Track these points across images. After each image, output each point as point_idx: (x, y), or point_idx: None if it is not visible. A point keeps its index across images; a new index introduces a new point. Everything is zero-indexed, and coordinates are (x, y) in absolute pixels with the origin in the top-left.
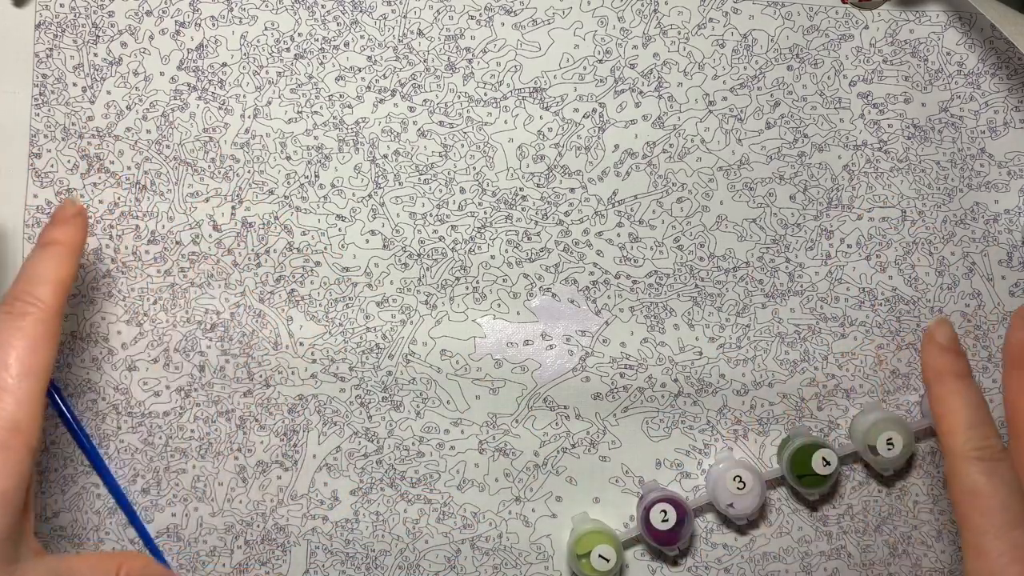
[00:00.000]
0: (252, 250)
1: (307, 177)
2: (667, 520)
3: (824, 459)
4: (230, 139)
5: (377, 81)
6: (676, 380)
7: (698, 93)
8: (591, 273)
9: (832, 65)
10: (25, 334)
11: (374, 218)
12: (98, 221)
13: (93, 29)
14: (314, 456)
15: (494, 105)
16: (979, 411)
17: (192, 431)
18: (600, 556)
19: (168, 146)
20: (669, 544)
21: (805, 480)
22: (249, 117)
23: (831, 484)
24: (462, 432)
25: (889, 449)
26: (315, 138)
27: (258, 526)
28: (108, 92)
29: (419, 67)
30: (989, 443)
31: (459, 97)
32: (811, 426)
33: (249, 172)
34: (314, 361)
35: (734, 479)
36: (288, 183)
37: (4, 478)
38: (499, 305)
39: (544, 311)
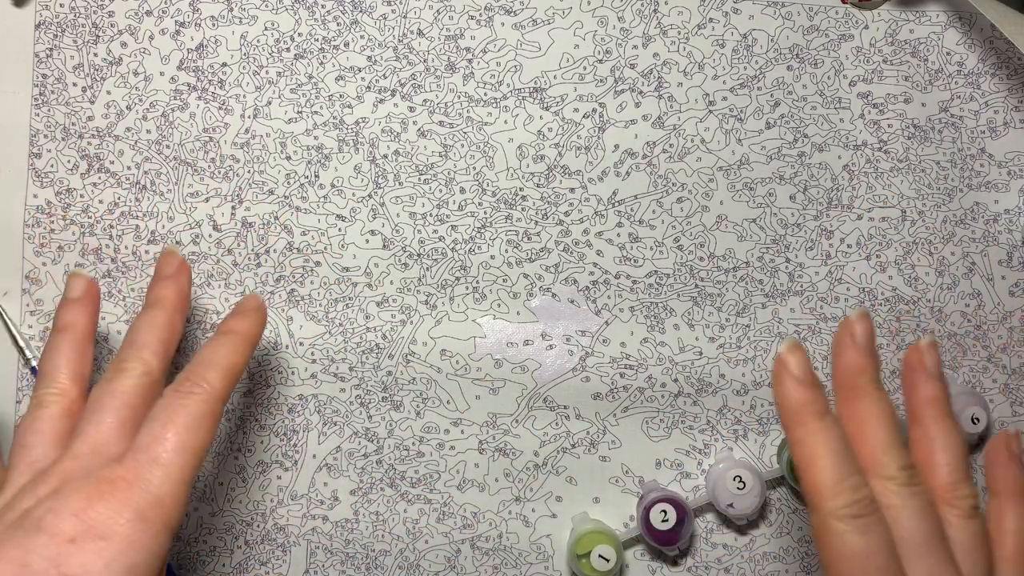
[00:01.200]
0: (252, 250)
1: (307, 177)
2: (667, 520)
3: None
4: (230, 139)
5: (377, 81)
6: (676, 380)
7: (698, 93)
8: (591, 273)
9: (832, 65)
10: (188, 412)
11: (374, 218)
12: (98, 221)
13: (93, 29)
14: (314, 456)
15: (494, 105)
16: (845, 456)
17: None
18: (600, 556)
19: (168, 146)
20: (669, 544)
21: None
22: (249, 117)
23: None
24: (462, 432)
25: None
26: (315, 138)
27: (258, 526)
28: (108, 92)
29: (419, 67)
30: (862, 495)
31: (459, 97)
32: None
33: (249, 172)
34: (314, 361)
35: (734, 479)
36: (288, 183)
37: (135, 551)
38: (499, 305)
39: (544, 311)
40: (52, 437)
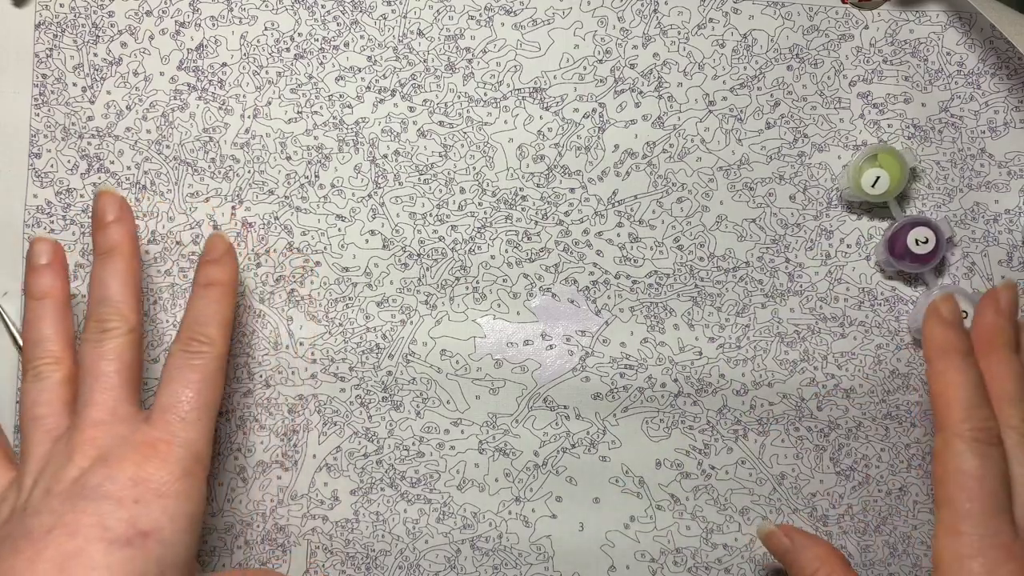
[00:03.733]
0: (252, 250)
1: (307, 177)
2: (926, 242)
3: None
4: (230, 139)
5: (377, 81)
6: (676, 380)
7: (698, 93)
8: (591, 273)
9: (832, 65)
10: (201, 370)
11: (374, 218)
12: None
13: (93, 29)
14: (314, 456)
15: (494, 105)
16: (980, 391)
17: None
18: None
19: (168, 146)
20: (922, 263)
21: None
22: (249, 117)
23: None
24: (462, 432)
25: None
26: (315, 138)
27: (258, 526)
28: (108, 92)
29: (419, 67)
30: (988, 425)
31: (459, 97)
32: (810, 426)
33: (249, 172)
34: (314, 361)
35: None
36: (288, 183)
37: (193, 503)
38: (499, 305)
39: (544, 311)
40: (60, 406)
